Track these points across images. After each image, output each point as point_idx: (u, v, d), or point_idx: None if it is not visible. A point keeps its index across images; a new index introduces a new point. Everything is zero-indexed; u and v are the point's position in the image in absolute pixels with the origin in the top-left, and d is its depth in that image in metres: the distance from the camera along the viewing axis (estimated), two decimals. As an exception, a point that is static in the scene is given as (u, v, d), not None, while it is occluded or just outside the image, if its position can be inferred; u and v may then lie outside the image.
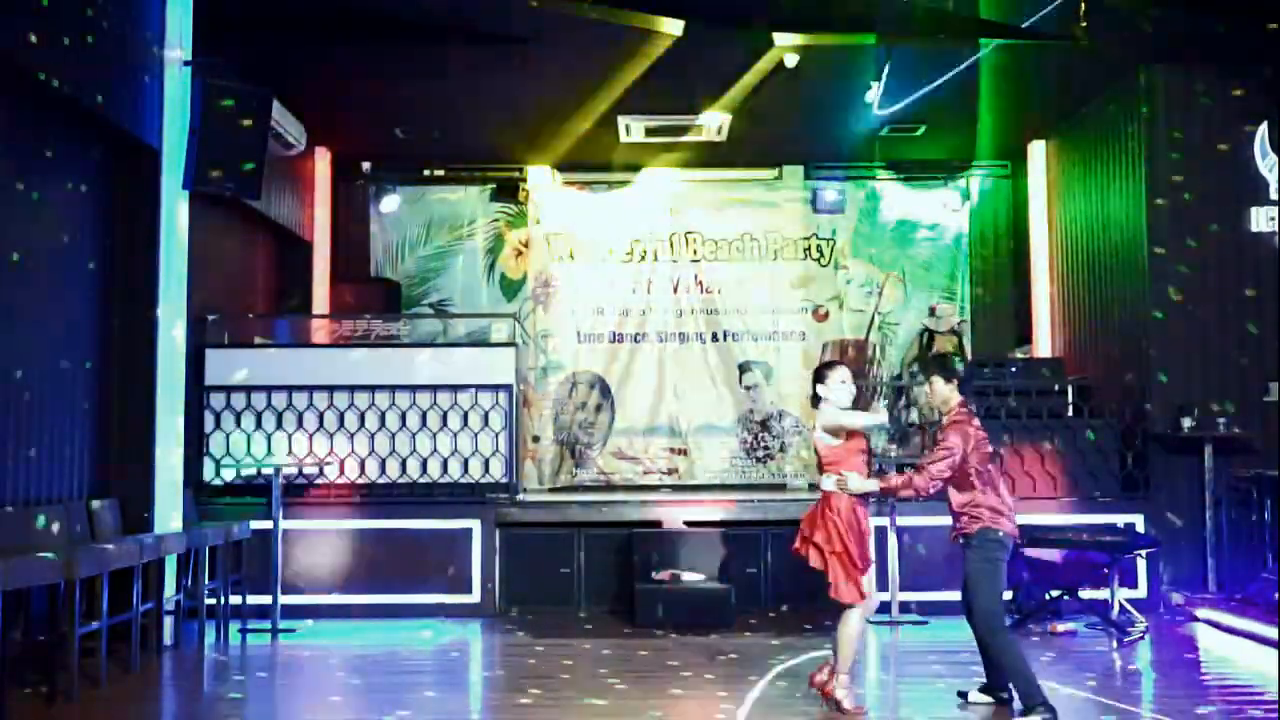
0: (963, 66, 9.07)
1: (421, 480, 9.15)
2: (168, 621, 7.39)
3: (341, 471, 9.09)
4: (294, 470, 8.60)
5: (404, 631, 8.22)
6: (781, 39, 8.78)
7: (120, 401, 7.76)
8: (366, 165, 12.22)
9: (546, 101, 10.15)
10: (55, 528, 6.78)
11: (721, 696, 6.11)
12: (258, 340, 10.04)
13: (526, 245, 12.39)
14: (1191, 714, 5.85)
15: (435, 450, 9.18)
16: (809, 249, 12.36)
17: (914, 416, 10.45)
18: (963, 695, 5.98)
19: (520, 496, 9.58)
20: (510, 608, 8.88)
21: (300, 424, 9.15)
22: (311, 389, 9.18)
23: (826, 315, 12.31)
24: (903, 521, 8.57)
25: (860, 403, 5.84)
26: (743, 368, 12.26)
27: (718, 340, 12.31)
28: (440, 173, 12.33)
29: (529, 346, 11.86)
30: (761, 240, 12.35)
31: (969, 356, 11.23)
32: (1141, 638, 7.76)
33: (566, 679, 6.60)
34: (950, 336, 11.37)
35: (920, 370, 10.84)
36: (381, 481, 9.13)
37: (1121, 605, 8.13)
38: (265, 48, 8.73)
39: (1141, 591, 8.75)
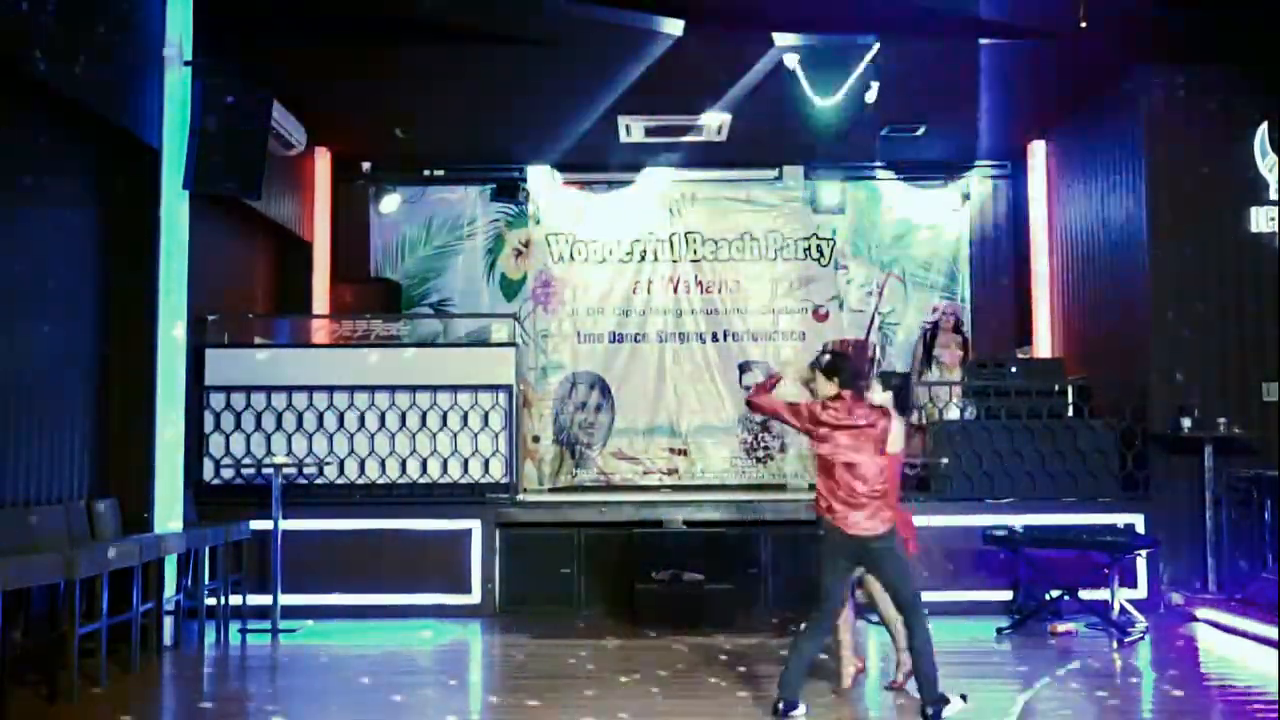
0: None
1: (421, 480, 9.14)
2: (168, 621, 7.39)
3: (341, 471, 9.09)
4: (294, 470, 8.60)
5: (404, 631, 8.22)
6: (781, 39, 8.78)
7: (120, 401, 7.77)
8: (366, 165, 12.21)
9: (546, 101, 10.15)
10: (55, 528, 6.78)
11: (725, 698, 6.11)
12: (258, 340, 10.04)
13: (526, 245, 12.38)
14: (1191, 714, 5.84)
15: (435, 450, 9.18)
16: (809, 249, 12.36)
17: (915, 418, 10.40)
18: (964, 697, 5.96)
19: (520, 497, 9.57)
20: (510, 608, 8.88)
21: (300, 424, 9.15)
22: (311, 389, 9.18)
23: (826, 315, 12.30)
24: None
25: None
26: (743, 368, 12.25)
27: (718, 340, 12.30)
28: (440, 173, 12.32)
29: (529, 346, 11.85)
30: (761, 240, 12.34)
31: (971, 355, 11.19)
32: (1141, 638, 7.76)
33: (567, 680, 6.59)
34: (955, 335, 11.32)
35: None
36: (381, 481, 9.13)
37: (1121, 605, 8.13)
38: (265, 48, 8.72)
39: (1141, 591, 8.74)
